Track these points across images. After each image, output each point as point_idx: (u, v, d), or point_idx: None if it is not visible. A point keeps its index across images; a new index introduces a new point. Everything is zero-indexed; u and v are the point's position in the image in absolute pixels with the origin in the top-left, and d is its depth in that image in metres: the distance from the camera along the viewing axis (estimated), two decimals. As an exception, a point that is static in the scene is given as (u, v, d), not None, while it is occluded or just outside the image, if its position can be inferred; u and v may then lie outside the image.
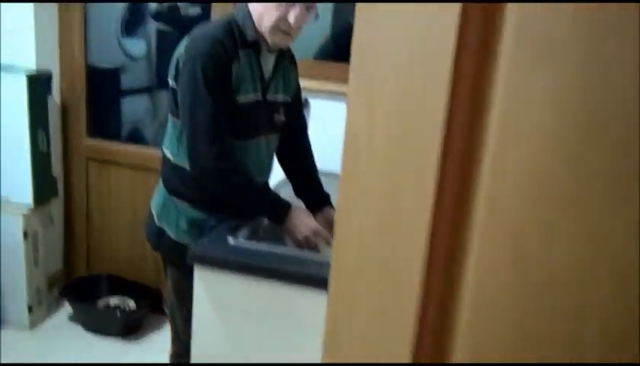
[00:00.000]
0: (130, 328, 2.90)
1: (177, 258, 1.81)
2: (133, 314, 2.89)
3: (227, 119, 1.64)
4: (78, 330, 2.91)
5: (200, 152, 1.61)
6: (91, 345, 2.80)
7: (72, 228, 3.18)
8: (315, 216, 1.85)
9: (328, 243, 1.70)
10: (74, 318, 2.98)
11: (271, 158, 1.90)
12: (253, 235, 1.74)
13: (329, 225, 1.81)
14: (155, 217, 1.84)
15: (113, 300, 3.07)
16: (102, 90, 3.24)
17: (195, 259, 1.55)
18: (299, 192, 1.97)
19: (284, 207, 1.69)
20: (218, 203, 1.73)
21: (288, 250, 1.67)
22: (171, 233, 1.79)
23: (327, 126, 2.53)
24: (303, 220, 1.70)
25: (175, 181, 1.77)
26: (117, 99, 3.44)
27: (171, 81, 1.71)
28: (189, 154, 1.64)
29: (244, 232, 1.72)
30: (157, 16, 3.83)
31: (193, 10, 3.64)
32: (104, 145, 3.07)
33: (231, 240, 1.64)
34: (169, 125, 1.79)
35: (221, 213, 1.77)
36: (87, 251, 3.20)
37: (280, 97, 1.83)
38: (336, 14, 3.13)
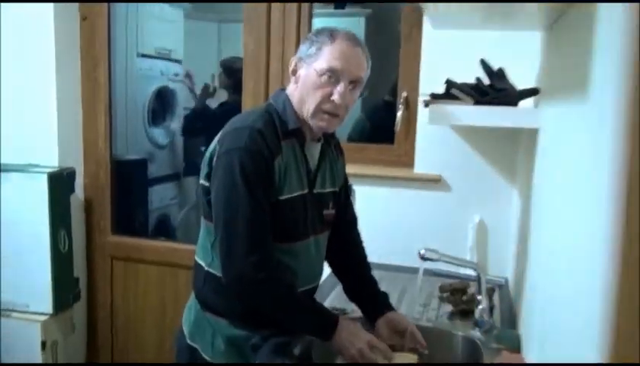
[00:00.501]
0: None
1: (214, 383, 1.56)
2: None
3: (269, 221, 1.43)
4: None
5: (236, 260, 1.39)
6: None
7: (95, 333, 2.94)
8: (375, 323, 1.60)
9: (386, 357, 1.43)
10: None
11: (322, 260, 1.67)
12: (305, 355, 1.48)
13: (394, 332, 1.56)
14: (187, 335, 1.60)
15: (139, 412, 2.78)
16: (128, 182, 3.10)
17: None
18: (352, 295, 1.73)
19: (331, 322, 1.45)
20: (261, 319, 1.48)
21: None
22: (205, 354, 1.54)
23: (370, 213, 2.32)
24: (355, 333, 1.45)
25: (209, 293, 1.54)
26: (143, 190, 3.29)
27: (202, 180, 1.51)
28: (222, 262, 1.42)
29: (294, 352, 1.47)
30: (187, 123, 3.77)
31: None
32: (130, 241, 2.88)
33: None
34: (202, 230, 1.58)
35: (265, 329, 1.53)
36: (111, 357, 2.94)
37: (329, 189, 1.62)
38: (368, 92, 2.99)
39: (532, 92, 1.52)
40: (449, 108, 1.53)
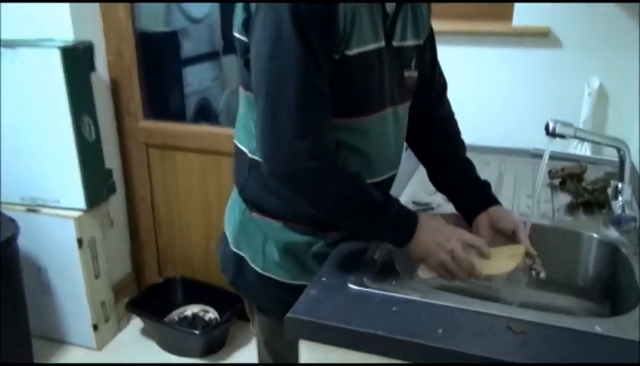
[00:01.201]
0: (213, 346, 2.39)
1: (268, 301, 1.22)
2: (215, 329, 2.37)
3: (328, 87, 1.00)
4: (152, 347, 2.44)
5: (280, 145, 0.98)
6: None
7: (136, 228, 2.69)
8: (472, 221, 1.20)
9: (484, 256, 1.04)
10: (147, 332, 2.52)
11: (402, 140, 1.24)
12: (389, 268, 1.10)
13: (497, 233, 1.16)
14: (231, 241, 1.24)
15: (191, 309, 2.58)
16: (157, 59, 2.68)
17: (297, 330, 0.95)
18: (442, 184, 1.31)
19: (407, 222, 1.05)
20: (326, 219, 1.10)
21: (450, 298, 1.01)
22: (255, 265, 1.20)
23: (456, 79, 1.85)
24: (441, 231, 1.06)
25: (256, 188, 1.16)
26: (177, 69, 2.86)
27: (237, 32, 1.08)
28: (262, 147, 1.01)
29: (373, 264, 1.10)
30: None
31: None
32: (165, 127, 2.52)
33: (353, 285, 1.02)
34: (241, 104, 1.17)
35: (331, 231, 1.16)
36: (156, 252, 2.71)
37: (410, 42, 1.16)
38: None
39: None
40: None
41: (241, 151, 1.18)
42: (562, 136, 1.09)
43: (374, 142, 1.13)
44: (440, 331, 0.90)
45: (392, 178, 1.23)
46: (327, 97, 1.00)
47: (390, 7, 1.09)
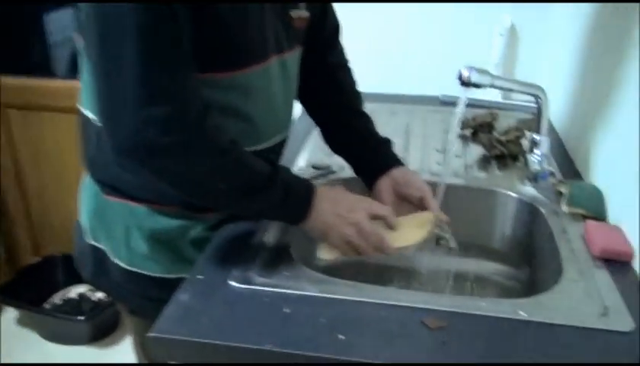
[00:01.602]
0: (102, 330, 2.14)
1: (139, 300, 1.00)
2: (103, 312, 2.11)
3: (186, 34, 0.76)
4: (32, 337, 2.14)
5: (123, 116, 0.74)
6: (51, 355, 2.05)
7: (4, 207, 2.32)
8: (373, 185, 1.03)
9: (390, 227, 0.88)
10: (24, 322, 2.21)
11: (292, 96, 1.03)
12: (282, 254, 0.91)
13: (402, 199, 1.00)
14: (87, 233, 1.00)
15: (76, 290, 2.30)
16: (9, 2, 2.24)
17: (165, 352, 0.74)
18: (338, 145, 1.12)
19: (301, 195, 0.86)
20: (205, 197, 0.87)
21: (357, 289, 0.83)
22: (119, 259, 0.96)
23: (352, 19, 1.64)
24: (341, 201, 0.88)
25: (111, 165, 0.90)
26: (32, 14, 2.43)
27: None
28: (101, 115, 0.77)
29: (262, 250, 0.90)
30: None
31: None
32: (27, 84, 2.14)
33: (235, 282, 0.82)
34: (80, 56, 0.90)
35: (211, 212, 0.95)
36: (30, 228, 2.37)
37: None
38: None
39: None
40: None
41: (87, 119, 0.92)
42: (477, 86, 0.92)
43: (257, 100, 0.91)
44: (341, 337, 0.73)
45: (283, 143, 1.03)
46: (185, 47, 0.76)
47: None
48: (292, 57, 0.98)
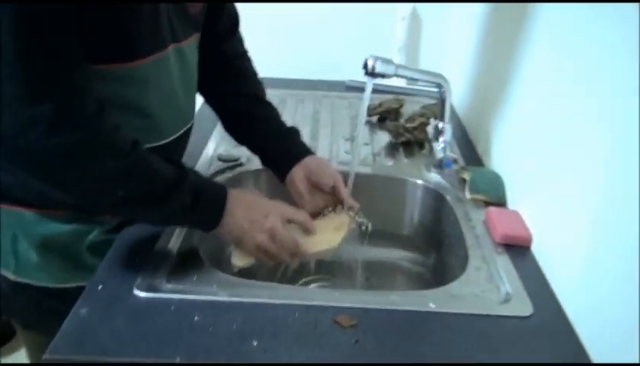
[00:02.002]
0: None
1: (31, 314, 0.92)
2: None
3: (76, 21, 0.69)
4: None
5: (4, 111, 0.66)
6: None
7: None
8: (285, 177, 1.01)
9: (308, 230, 0.88)
10: None
11: (193, 86, 0.98)
12: (191, 258, 0.86)
13: (316, 189, 0.99)
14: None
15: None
16: None
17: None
18: (243, 136, 1.08)
19: (214, 200, 0.82)
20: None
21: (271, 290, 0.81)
22: (7, 270, 0.88)
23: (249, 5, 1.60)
24: (256, 206, 0.85)
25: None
26: None
27: None
28: None
29: (169, 255, 0.85)
30: None
31: None
32: None
33: (140, 291, 0.77)
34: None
35: (109, 214, 0.89)
36: None
37: None
38: None
39: None
40: None
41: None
42: (382, 76, 0.92)
43: (156, 92, 0.86)
44: (255, 343, 0.71)
45: (186, 136, 0.98)
46: (72, 35, 0.69)
47: None
48: (190, 45, 0.93)
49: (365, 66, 0.93)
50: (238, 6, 1.07)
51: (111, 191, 0.73)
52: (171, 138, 0.92)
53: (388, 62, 0.94)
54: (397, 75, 0.95)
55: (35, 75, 0.66)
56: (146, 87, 0.83)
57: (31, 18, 0.64)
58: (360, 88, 1.58)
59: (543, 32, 0.96)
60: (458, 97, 1.47)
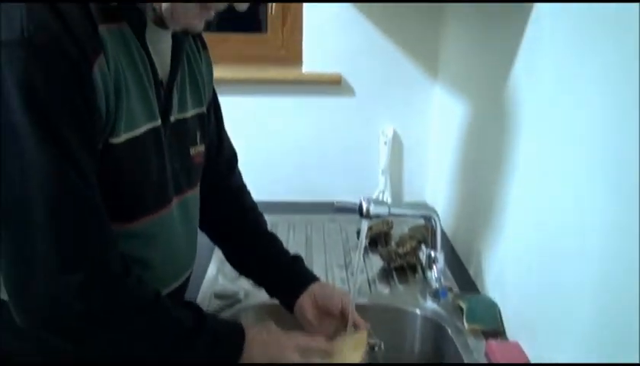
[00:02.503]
0: None
1: None
2: None
3: (96, 191, 0.73)
4: None
5: (38, 282, 0.69)
6: None
7: None
8: (293, 305, 1.01)
9: (329, 354, 0.89)
10: None
11: (195, 232, 1.00)
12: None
13: (325, 314, 1.00)
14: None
15: None
16: None
17: None
18: (247, 268, 1.10)
19: (234, 341, 0.84)
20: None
21: None
22: None
23: (243, 133, 1.66)
24: (273, 342, 0.86)
25: (5, 334, 0.81)
26: None
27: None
28: (10, 290, 0.70)
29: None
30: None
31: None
32: None
33: None
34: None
35: None
36: None
37: (193, 112, 0.93)
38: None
39: None
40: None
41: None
42: (377, 216, 0.96)
43: (158, 246, 0.87)
44: None
45: (187, 281, 0.99)
46: (97, 203, 0.72)
47: (162, 69, 0.84)
48: (194, 194, 0.96)
49: (359, 209, 0.96)
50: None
51: (137, 344, 0.76)
52: (173, 287, 0.93)
53: (381, 203, 0.98)
54: (390, 214, 0.99)
55: (70, 248, 0.69)
56: (149, 242, 0.85)
57: (70, 202, 0.69)
58: (349, 209, 1.64)
59: (529, 141, 1.01)
60: (445, 218, 1.52)
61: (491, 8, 1.14)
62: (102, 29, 0.70)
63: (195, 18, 0.78)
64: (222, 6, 0.78)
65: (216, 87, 1.69)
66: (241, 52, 1.73)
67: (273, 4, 1.59)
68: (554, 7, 0.90)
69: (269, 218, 1.52)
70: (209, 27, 1.98)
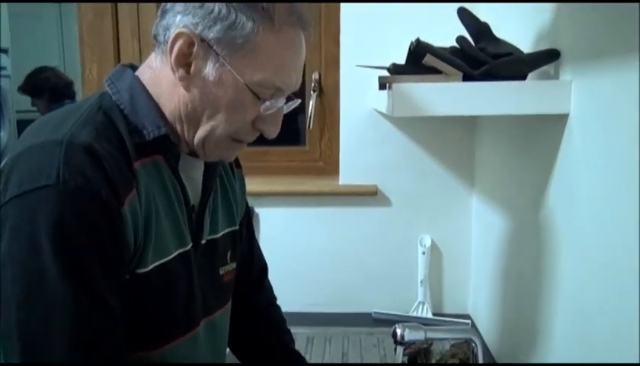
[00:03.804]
0: None
1: None
2: None
3: (118, 323, 0.73)
4: None
5: None
6: None
7: None
8: None
9: None
10: None
11: (223, 351, 0.99)
12: None
13: None
14: None
15: None
16: None
17: None
18: None
19: None
20: None
21: None
22: None
23: (279, 246, 1.68)
24: None
25: None
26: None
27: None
28: None
29: None
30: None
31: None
32: None
33: None
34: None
35: None
36: None
37: (224, 230, 0.95)
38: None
39: (551, 56, 0.94)
40: (423, 88, 0.92)
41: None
42: (413, 343, 0.92)
43: (183, 367, 0.86)
44: None
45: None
46: (116, 337, 0.72)
47: (194, 194, 0.86)
48: (222, 314, 0.96)
49: (393, 335, 0.93)
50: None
51: None
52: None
53: (415, 327, 0.94)
54: (426, 339, 0.95)
55: None
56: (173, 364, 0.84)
57: (88, 338, 0.69)
58: (386, 320, 1.59)
59: (569, 254, 0.97)
60: (488, 332, 1.45)
61: (527, 119, 1.15)
62: (137, 166, 0.74)
63: (226, 151, 0.82)
64: (251, 138, 0.82)
65: (255, 199, 1.73)
66: (280, 165, 1.78)
67: (311, 119, 1.65)
68: (585, 122, 0.90)
69: (303, 330, 1.50)
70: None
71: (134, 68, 0.82)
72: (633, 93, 0.73)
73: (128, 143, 0.74)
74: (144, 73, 0.80)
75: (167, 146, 0.78)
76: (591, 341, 0.87)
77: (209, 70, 0.74)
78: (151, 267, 0.77)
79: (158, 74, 0.78)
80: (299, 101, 0.83)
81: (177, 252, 0.81)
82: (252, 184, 1.63)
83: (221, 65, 0.74)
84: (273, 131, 0.81)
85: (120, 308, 0.73)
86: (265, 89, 0.75)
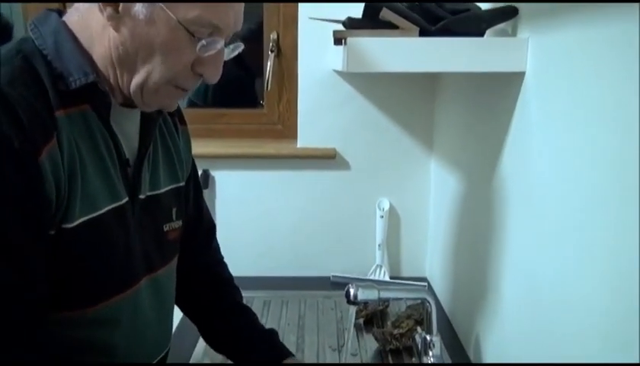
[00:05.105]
0: None
1: None
2: None
3: (39, 282, 0.70)
4: None
5: None
6: None
7: None
8: None
9: None
10: None
11: (169, 310, 0.97)
12: None
13: None
14: None
15: None
16: None
17: None
18: (220, 343, 1.06)
19: None
20: None
21: None
22: None
23: (236, 209, 1.66)
24: None
25: None
26: None
27: None
28: None
29: None
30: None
31: None
32: None
33: None
34: None
35: None
36: None
37: (167, 187, 0.92)
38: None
39: (508, 13, 0.93)
40: (378, 43, 0.89)
41: None
42: (366, 302, 0.92)
43: (125, 330, 0.83)
44: None
45: (163, 361, 0.94)
46: (25, 295, 0.69)
47: (130, 151, 0.82)
48: (167, 271, 0.93)
49: (347, 294, 0.92)
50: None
51: None
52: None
53: (369, 286, 0.93)
54: (380, 299, 0.95)
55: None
56: (112, 327, 0.81)
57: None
58: (344, 284, 1.58)
59: (523, 215, 0.98)
60: (444, 294, 1.47)
61: (484, 79, 1.14)
62: (59, 114, 0.69)
63: (167, 98, 0.77)
64: (192, 84, 0.77)
65: (212, 162, 1.70)
66: (238, 128, 1.74)
67: (269, 81, 1.60)
68: (541, 81, 0.89)
69: (260, 294, 1.49)
70: (206, 102, 2.01)
71: (62, 14, 0.77)
72: (590, 51, 0.72)
73: (50, 90, 0.69)
74: (71, 16, 0.75)
75: (96, 94, 0.73)
76: (538, 298, 0.88)
77: (139, 7, 0.69)
78: (78, 222, 0.73)
79: (86, 16, 0.73)
80: (242, 45, 0.79)
81: (109, 207, 0.78)
82: (209, 147, 1.60)
83: (151, 2, 0.69)
84: (214, 75, 0.77)
85: (42, 264, 0.69)
86: (201, 28, 0.71)
